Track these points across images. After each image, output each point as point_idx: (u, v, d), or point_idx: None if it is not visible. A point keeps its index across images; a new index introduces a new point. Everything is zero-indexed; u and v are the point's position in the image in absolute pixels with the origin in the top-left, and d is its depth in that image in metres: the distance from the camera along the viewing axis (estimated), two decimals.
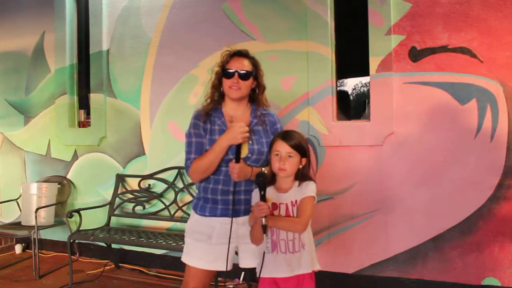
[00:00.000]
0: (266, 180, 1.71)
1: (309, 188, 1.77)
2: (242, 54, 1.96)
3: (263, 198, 1.69)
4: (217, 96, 1.98)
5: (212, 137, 1.90)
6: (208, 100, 1.98)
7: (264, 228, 1.66)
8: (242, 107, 1.98)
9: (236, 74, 1.90)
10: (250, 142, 1.91)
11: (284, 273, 1.73)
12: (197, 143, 1.93)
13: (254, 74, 1.96)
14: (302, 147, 1.77)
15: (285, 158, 1.74)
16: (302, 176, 1.79)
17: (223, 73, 1.93)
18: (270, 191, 1.76)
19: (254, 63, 1.97)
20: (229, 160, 1.86)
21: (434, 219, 2.82)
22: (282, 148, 1.74)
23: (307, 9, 3.11)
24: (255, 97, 2.00)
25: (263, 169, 1.85)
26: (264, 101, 2.02)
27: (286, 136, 1.77)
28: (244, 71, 1.91)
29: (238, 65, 1.91)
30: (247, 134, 1.84)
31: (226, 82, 1.92)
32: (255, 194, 1.81)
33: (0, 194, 4.39)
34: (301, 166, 1.78)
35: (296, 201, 1.75)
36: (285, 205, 1.75)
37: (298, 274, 1.73)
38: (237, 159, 1.83)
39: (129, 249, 3.70)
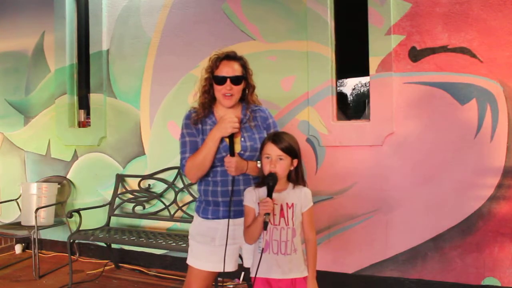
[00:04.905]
0: (275, 182, 1.71)
1: (308, 198, 1.80)
2: (230, 57, 1.93)
3: (270, 196, 1.71)
4: (209, 101, 1.97)
5: (204, 137, 1.90)
6: (200, 110, 1.96)
7: (265, 225, 1.67)
8: (233, 107, 1.97)
9: (228, 80, 1.88)
10: (243, 139, 1.91)
11: (275, 274, 1.74)
12: (191, 142, 1.93)
13: (245, 76, 1.94)
14: (292, 149, 1.77)
15: (275, 161, 1.74)
16: (295, 178, 1.82)
17: (214, 79, 1.91)
18: (263, 192, 1.76)
19: (243, 64, 1.95)
20: (223, 158, 1.86)
21: (434, 219, 2.82)
22: (272, 151, 1.75)
23: (307, 9, 3.11)
24: (245, 96, 1.99)
25: (258, 162, 1.85)
26: (254, 99, 2.01)
27: (276, 138, 1.77)
28: (236, 76, 1.89)
29: (228, 70, 1.89)
30: (237, 125, 1.84)
31: (218, 89, 1.90)
32: (248, 193, 1.82)
33: (0, 194, 4.39)
34: (292, 168, 1.79)
35: (293, 204, 1.77)
36: (280, 206, 1.76)
37: (290, 278, 1.74)
38: (231, 153, 1.84)
39: (129, 249, 3.70)
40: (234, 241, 1.92)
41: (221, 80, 1.89)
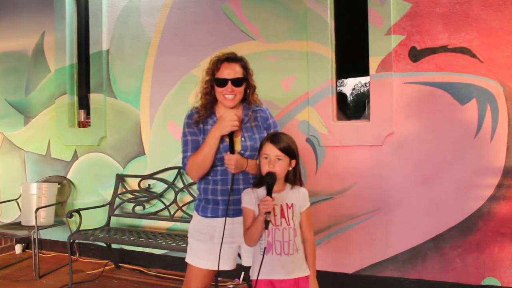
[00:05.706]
0: (274, 181, 1.72)
1: (305, 198, 1.82)
2: (231, 59, 1.93)
3: (269, 195, 1.70)
4: (210, 102, 1.97)
5: (205, 137, 1.91)
6: (202, 111, 1.96)
7: (267, 224, 1.66)
8: (235, 107, 1.97)
9: (230, 82, 1.89)
10: (243, 139, 1.92)
11: (279, 275, 1.74)
12: (192, 141, 1.94)
13: (246, 77, 1.95)
14: (291, 150, 1.77)
15: (274, 161, 1.74)
16: (293, 179, 1.82)
17: (216, 82, 1.91)
18: (261, 192, 1.76)
19: (244, 65, 1.95)
20: (223, 158, 1.87)
21: (434, 219, 2.82)
22: (271, 151, 1.75)
23: (307, 9, 3.11)
24: (246, 97, 1.99)
25: (257, 161, 1.86)
26: (255, 99, 2.02)
27: (275, 139, 1.77)
28: (237, 78, 1.90)
29: (229, 72, 1.89)
30: (237, 123, 1.84)
31: (220, 91, 1.91)
32: (246, 195, 1.82)
33: (0, 194, 4.39)
34: (290, 168, 1.80)
35: (292, 204, 1.78)
36: (280, 206, 1.76)
37: (293, 277, 1.75)
38: (231, 151, 1.85)
39: (129, 249, 3.70)
40: (233, 240, 1.93)
41: (222, 82, 1.89)
